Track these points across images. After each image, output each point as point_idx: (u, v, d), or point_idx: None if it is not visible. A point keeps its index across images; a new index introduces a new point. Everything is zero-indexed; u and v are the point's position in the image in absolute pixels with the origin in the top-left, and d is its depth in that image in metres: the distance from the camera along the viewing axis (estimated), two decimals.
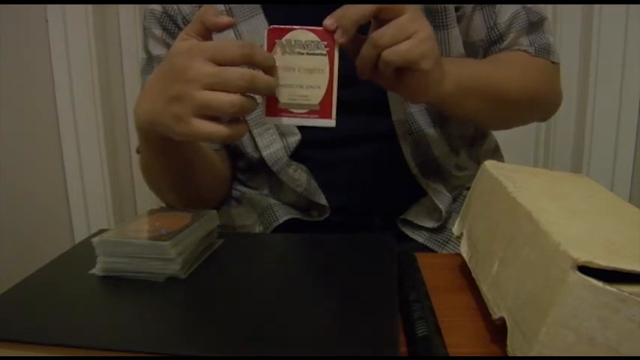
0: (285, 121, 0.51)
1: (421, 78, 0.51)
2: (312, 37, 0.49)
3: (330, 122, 0.51)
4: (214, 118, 0.48)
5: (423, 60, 0.49)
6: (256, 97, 0.50)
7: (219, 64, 0.47)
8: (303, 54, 0.50)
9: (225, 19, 0.49)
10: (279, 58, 0.50)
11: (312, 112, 0.51)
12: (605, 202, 0.45)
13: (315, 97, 0.51)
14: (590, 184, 0.50)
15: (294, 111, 0.51)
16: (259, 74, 0.48)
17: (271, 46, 0.50)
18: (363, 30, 0.51)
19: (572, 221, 0.38)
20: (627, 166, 1.34)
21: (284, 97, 0.51)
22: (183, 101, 0.47)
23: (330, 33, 0.49)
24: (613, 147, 1.33)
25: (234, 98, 0.46)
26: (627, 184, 1.35)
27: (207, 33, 0.50)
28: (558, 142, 1.36)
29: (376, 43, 0.49)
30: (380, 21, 0.49)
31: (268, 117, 0.51)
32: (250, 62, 0.48)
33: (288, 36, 0.50)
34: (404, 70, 0.51)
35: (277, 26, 0.50)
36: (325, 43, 0.50)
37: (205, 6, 0.50)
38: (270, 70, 0.49)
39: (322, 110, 0.51)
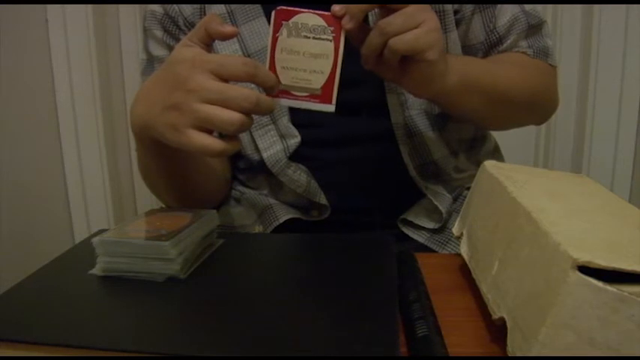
0: (285, 102, 0.51)
1: (426, 69, 0.51)
2: (320, 21, 0.49)
3: (330, 107, 0.51)
4: (209, 131, 0.47)
5: (429, 50, 0.49)
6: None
7: (222, 78, 0.47)
8: (309, 38, 0.49)
9: (229, 29, 0.49)
10: (284, 40, 0.49)
11: (312, 96, 0.51)
12: (605, 202, 0.45)
13: (318, 81, 0.50)
14: (590, 184, 0.50)
15: (295, 93, 0.51)
16: (263, 97, 0.48)
17: (277, 28, 0.49)
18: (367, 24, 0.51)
19: (572, 221, 0.38)
20: (627, 166, 1.34)
21: (286, 79, 0.50)
22: (181, 111, 0.47)
23: (337, 19, 0.49)
24: (613, 147, 1.33)
25: (235, 116, 0.46)
26: (627, 184, 1.34)
27: (210, 41, 0.50)
28: (558, 142, 1.36)
29: (383, 31, 0.49)
30: (387, 10, 0.49)
31: (268, 97, 0.51)
32: (252, 81, 0.48)
33: (295, 19, 0.49)
34: (408, 61, 0.51)
35: (285, 7, 0.49)
36: (332, 28, 0.49)
37: (210, 13, 0.50)
38: (271, 89, 0.49)
39: (323, 95, 0.50)
